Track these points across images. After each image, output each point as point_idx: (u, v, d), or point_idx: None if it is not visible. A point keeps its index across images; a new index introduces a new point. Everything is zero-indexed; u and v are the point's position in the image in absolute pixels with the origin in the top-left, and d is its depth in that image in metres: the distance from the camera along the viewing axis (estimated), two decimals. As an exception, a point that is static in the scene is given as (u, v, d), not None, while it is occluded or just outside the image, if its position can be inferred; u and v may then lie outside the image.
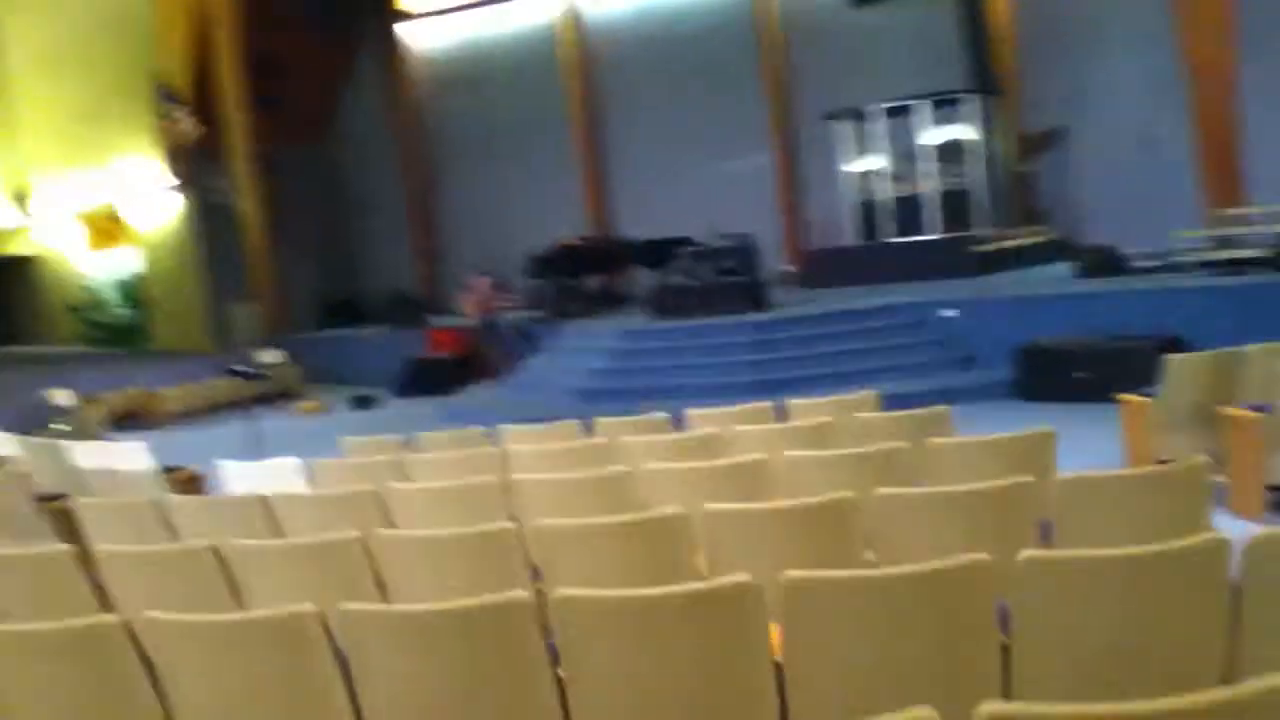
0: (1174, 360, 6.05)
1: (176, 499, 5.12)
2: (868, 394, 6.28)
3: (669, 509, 3.64)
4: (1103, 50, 16.15)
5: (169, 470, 7.52)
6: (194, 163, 19.53)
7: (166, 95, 18.62)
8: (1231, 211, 12.86)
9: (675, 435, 6.16)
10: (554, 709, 2.72)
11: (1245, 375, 6.03)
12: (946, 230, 15.27)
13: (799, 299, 13.45)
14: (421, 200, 22.94)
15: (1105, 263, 12.03)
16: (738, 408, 6.83)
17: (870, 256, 15.71)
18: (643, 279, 18.11)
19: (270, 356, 17.57)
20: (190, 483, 7.57)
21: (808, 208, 18.56)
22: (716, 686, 2.65)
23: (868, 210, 16.18)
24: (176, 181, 19.34)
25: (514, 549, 3.69)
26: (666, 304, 13.57)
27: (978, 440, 4.44)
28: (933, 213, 15.38)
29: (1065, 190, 16.99)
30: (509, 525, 3.72)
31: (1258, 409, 5.40)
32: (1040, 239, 16.09)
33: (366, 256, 23.50)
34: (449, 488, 4.75)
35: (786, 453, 4.58)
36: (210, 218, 20.04)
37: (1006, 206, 16.11)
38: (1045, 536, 3.55)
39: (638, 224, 19.36)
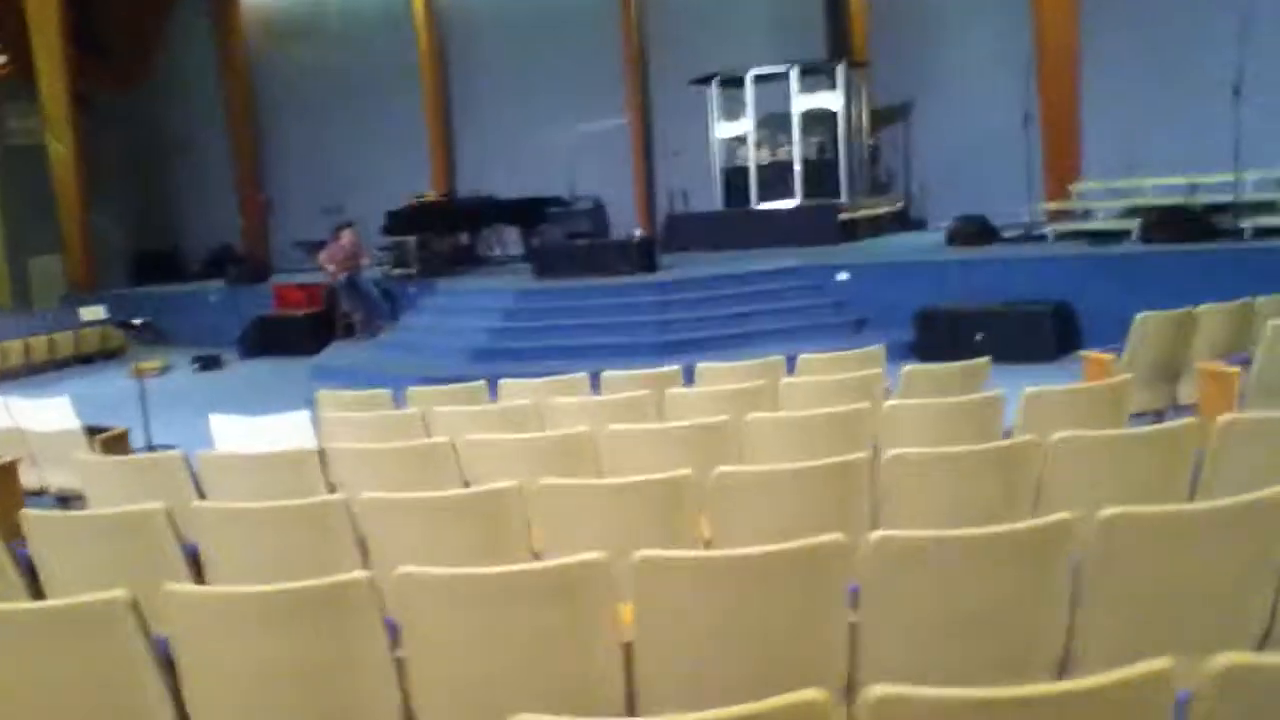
0: (1139, 319, 6.44)
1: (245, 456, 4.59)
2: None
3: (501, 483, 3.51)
4: (953, 26, 16.95)
5: (92, 430, 6.82)
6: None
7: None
8: (1085, 185, 13.78)
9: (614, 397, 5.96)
10: (393, 691, 2.61)
11: (1198, 334, 6.52)
12: (809, 197, 15.66)
13: (674, 262, 13.46)
14: (250, 152, 21.59)
15: (977, 232, 12.67)
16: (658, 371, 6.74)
17: (734, 222, 15.94)
18: (504, 239, 17.79)
19: (91, 313, 16.19)
20: (119, 442, 6.90)
21: (666, 173, 18.62)
22: (564, 667, 2.60)
23: (732, 176, 16.40)
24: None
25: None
26: (550, 264, 13.35)
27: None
28: (796, 180, 15.73)
29: (908, 163, 17.84)
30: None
31: (1240, 363, 5.83)
32: (891, 209, 16.82)
33: (185, 209, 21.96)
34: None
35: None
36: (13, 161, 18.20)
37: (862, 177, 16.70)
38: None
39: (484, 183, 18.94)
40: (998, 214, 14.17)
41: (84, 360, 15.28)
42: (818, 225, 15.01)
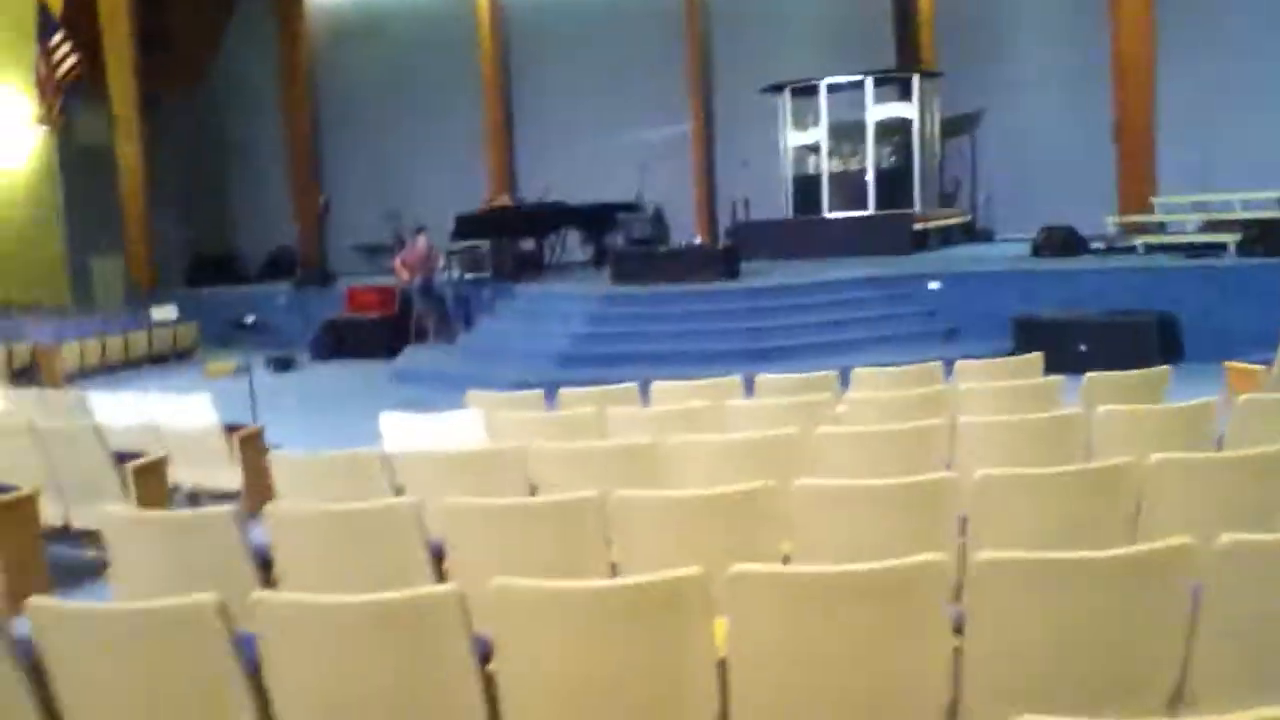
0: (1296, 331, 6.40)
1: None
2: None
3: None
4: (1022, 40, 16.90)
5: (229, 429, 6.84)
6: (69, 99, 17.76)
7: (48, 21, 16.80)
8: (1167, 199, 13.69)
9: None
10: (480, 706, 2.56)
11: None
12: (881, 207, 15.61)
13: (750, 269, 13.41)
14: (308, 155, 21.68)
15: (1064, 242, 12.60)
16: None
17: (804, 230, 15.89)
18: (568, 244, 17.81)
19: (163, 313, 16.28)
20: (255, 440, 6.91)
21: (728, 181, 18.58)
22: (657, 683, 2.54)
23: (802, 184, 16.37)
24: (43, 118, 17.52)
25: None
26: (629, 270, 13.33)
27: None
28: (869, 189, 15.67)
29: (974, 174, 17.76)
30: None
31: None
32: (960, 220, 16.76)
33: (242, 211, 22.08)
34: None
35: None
36: (79, 161, 18.31)
37: (932, 187, 16.63)
38: None
39: (542, 190, 18.98)
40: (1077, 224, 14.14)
41: (156, 360, 15.35)
42: (891, 235, 14.97)
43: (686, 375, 10.14)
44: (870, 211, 15.59)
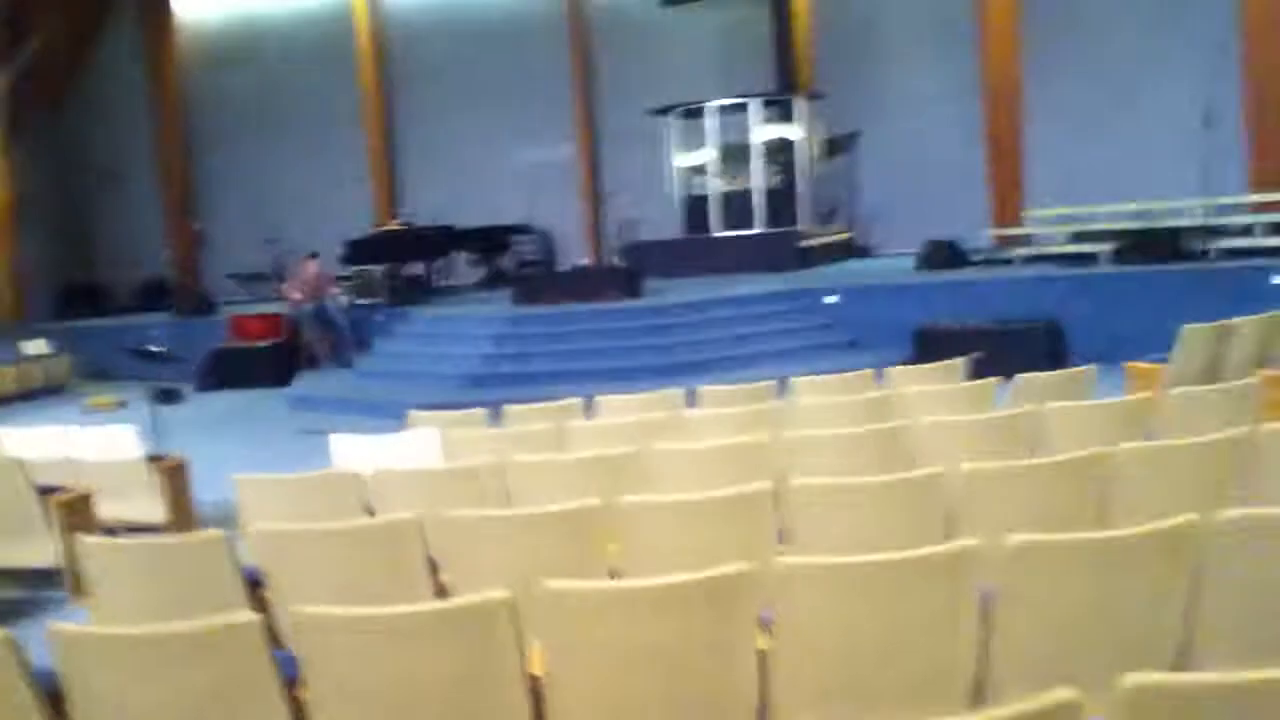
0: (1187, 330, 6.85)
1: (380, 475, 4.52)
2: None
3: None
4: (895, 63, 17.59)
5: (151, 458, 6.61)
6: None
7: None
8: (1039, 212, 14.43)
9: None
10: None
11: (1235, 344, 6.96)
12: (768, 225, 16.01)
13: (655, 288, 13.59)
14: (181, 181, 20.96)
15: (947, 256, 13.17)
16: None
17: (695, 249, 16.17)
18: (459, 267, 17.71)
19: (34, 347, 15.51)
20: (178, 471, 6.70)
21: (617, 203, 18.76)
22: (468, 704, 2.61)
23: (691, 204, 16.66)
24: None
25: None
26: (530, 291, 13.35)
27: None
28: (756, 208, 16.05)
29: (851, 192, 18.39)
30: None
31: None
32: (840, 236, 17.31)
33: (111, 239, 21.17)
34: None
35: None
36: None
37: (815, 205, 17.13)
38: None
39: (427, 211, 18.79)
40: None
41: (26, 396, 14.59)
42: (778, 251, 15.36)
43: (601, 392, 10.26)
44: (758, 230, 15.97)
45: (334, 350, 14.24)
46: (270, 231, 19.74)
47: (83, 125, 20.61)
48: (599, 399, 6.42)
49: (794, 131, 16.30)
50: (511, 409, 6.29)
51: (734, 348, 11.28)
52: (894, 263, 15.05)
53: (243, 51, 20.34)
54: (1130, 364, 7.20)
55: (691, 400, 6.43)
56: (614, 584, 2.86)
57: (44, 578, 5.85)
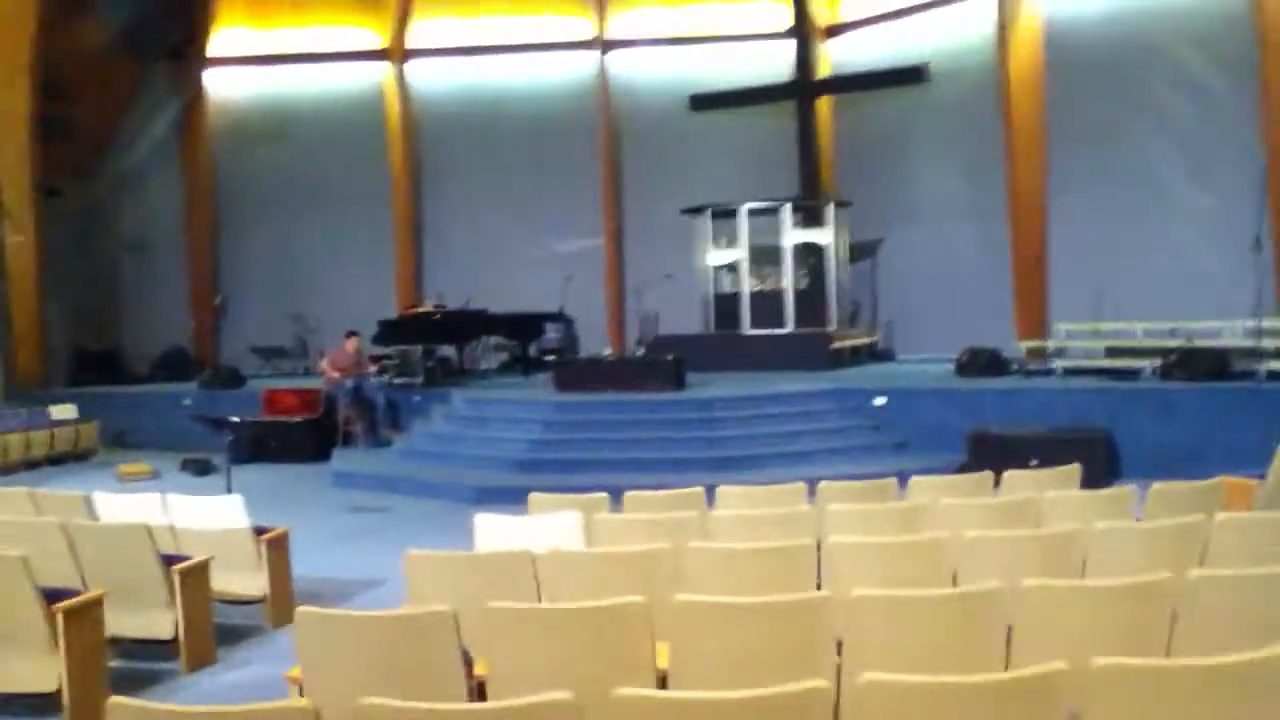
0: (1282, 447, 6.99)
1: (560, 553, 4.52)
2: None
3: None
4: (920, 171, 18.08)
5: (258, 531, 6.58)
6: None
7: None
8: (1069, 326, 14.73)
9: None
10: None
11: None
12: (799, 326, 16.24)
13: (698, 381, 13.70)
14: (206, 253, 21.06)
15: (987, 363, 13.39)
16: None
17: (724, 345, 16.35)
18: (488, 351, 17.80)
19: (62, 412, 15.39)
20: (281, 543, 6.66)
21: (643, 296, 18.98)
22: None
23: (721, 301, 16.91)
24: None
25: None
26: (572, 379, 13.43)
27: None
28: (788, 308, 16.29)
29: (875, 298, 18.73)
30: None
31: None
32: (867, 340, 17.57)
33: (131, 308, 21.13)
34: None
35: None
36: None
37: (843, 308, 17.42)
38: None
39: (450, 296, 18.95)
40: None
41: (54, 461, 14.43)
42: (809, 352, 15.57)
43: (654, 483, 10.33)
44: (788, 329, 16.19)
45: (370, 429, 14.21)
46: (293, 307, 19.85)
47: (110, 195, 20.75)
48: (722, 489, 6.40)
49: (824, 235, 16.68)
50: (632, 496, 6.29)
51: (783, 444, 11.39)
52: (927, 367, 15.25)
53: (273, 129, 20.63)
54: (1228, 479, 7.31)
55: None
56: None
57: (151, 647, 5.78)
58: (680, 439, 11.49)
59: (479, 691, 3.52)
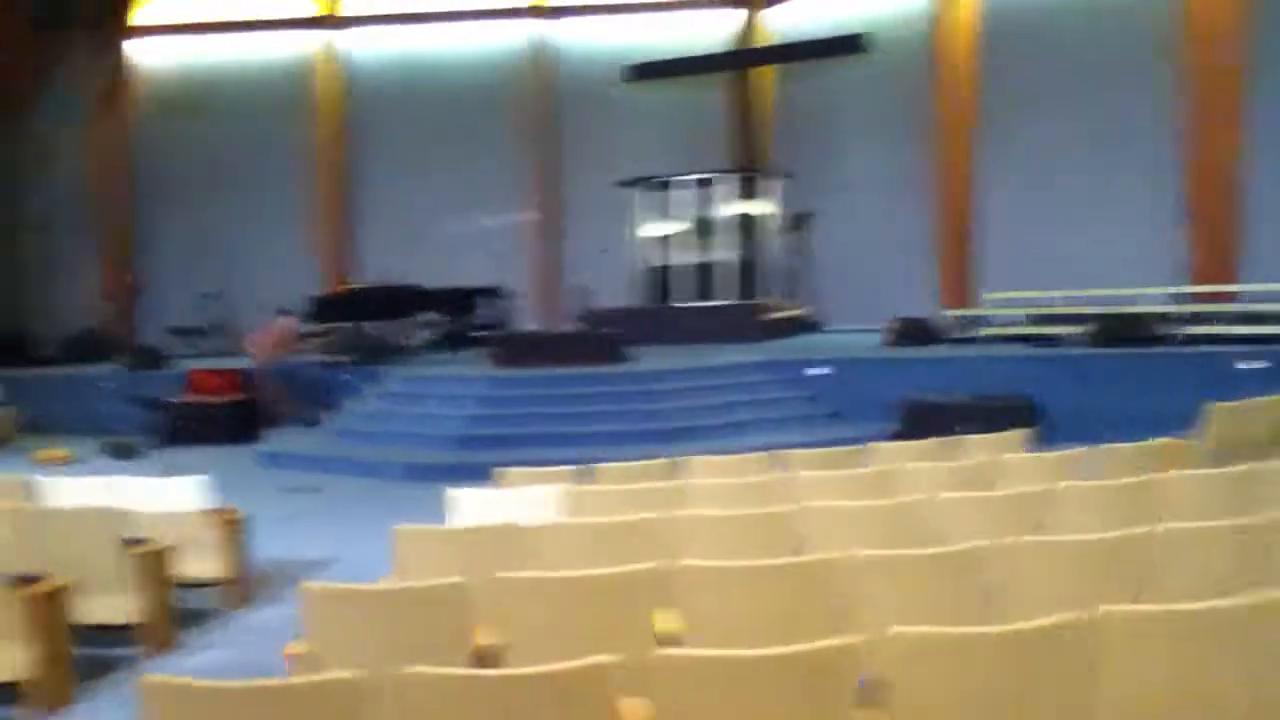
0: (1218, 407, 7.30)
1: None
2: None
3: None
4: (852, 143, 18.31)
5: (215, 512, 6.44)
6: None
7: None
8: (996, 295, 15.12)
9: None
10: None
11: (1259, 421, 7.46)
12: (730, 298, 16.37)
13: (632, 354, 13.74)
14: (120, 229, 20.38)
15: (919, 332, 13.69)
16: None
17: (658, 318, 16.42)
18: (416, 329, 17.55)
19: (-29, 398, 14.81)
20: (237, 525, 6.54)
21: (574, 269, 18.92)
22: None
23: (654, 275, 16.94)
24: None
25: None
26: (511, 353, 13.37)
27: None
28: (719, 281, 16.41)
29: (803, 270, 18.94)
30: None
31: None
32: (796, 311, 17.79)
33: (37, 288, 20.38)
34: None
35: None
36: None
37: (774, 280, 17.59)
38: None
39: (377, 271, 18.69)
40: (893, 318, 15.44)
41: (-34, 448, 13.88)
42: (742, 323, 15.73)
43: (595, 456, 10.35)
44: (721, 301, 16.31)
45: (300, 408, 13.96)
46: (212, 287, 19.35)
47: (16, 169, 19.93)
48: (694, 459, 6.45)
49: (760, 208, 16.80)
50: (603, 468, 6.30)
51: (723, 415, 11.49)
52: (858, 338, 15.49)
53: (196, 101, 20.04)
54: (1161, 440, 7.60)
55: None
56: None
57: (111, 632, 5.63)
58: (619, 412, 11.52)
59: (485, 662, 3.53)
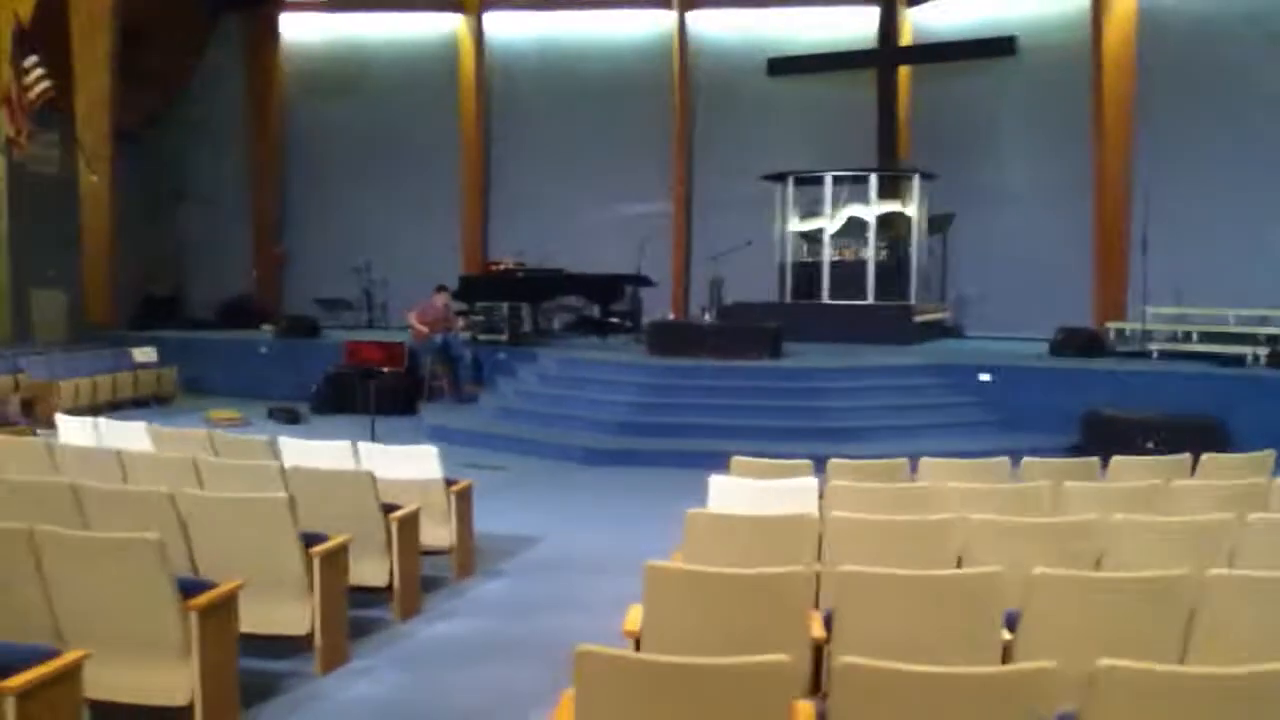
0: None
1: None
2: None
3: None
4: (994, 148, 17.95)
5: (448, 482, 6.60)
6: (31, 124, 16.73)
7: (22, 40, 15.85)
8: (1157, 310, 14.69)
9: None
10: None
11: None
12: (884, 298, 16.17)
13: (793, 350, 13.64)
14: (272, 203, 21.01)
15: (1086, 343, 13.38)
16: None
17: (803, 315, 16.27)
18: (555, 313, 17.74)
19: (144, 355, 15.42)
20: (466, 496, 6.68)
21: (709, 262, 18.88)
22: None
23: (800, 270, 16.83)
24: (13, 140, 16.42)
25: None
26: (664, 343, 13.43)
27: None
28: (870, 279, 16.19)
29: (945, 273, 18.64)
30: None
31: None
32: (942, 315, 17.53)
33: (195, 255, 21.13)
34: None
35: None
36: (29, 188, 17.21)
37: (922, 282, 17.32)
38: None
39: (515, 255, 18.88)
40: (1038, 327, 15.14)
41: (138, 404, 14.44)
42: (892, 325, 15.53)
43: (762, 451, 10.34)
44: (870, 301, 16.13)
45: (455, 384, 14.23)
46: (355, 260, 19.79)
47: (179, 142, 20.67)
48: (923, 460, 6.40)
49: (908, 207, 16.60)
50: (836, 463, 6.29)
51: (890, 418, 11.39)
52: (1016, 345, 15.16)
53: (346, 79, 20.53)
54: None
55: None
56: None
57: (359, 594, 5.79)
58: (784, 408, 11.50)
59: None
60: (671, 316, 19.04)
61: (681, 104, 19.82)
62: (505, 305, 15.04)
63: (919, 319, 16.00)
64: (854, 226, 16.53)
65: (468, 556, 6.62)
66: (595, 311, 17.45)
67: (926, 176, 16.91)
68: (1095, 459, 6.87)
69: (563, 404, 12.49)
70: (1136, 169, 16.12)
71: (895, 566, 3.55)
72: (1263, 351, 12.12)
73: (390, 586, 5.61)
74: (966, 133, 18.27)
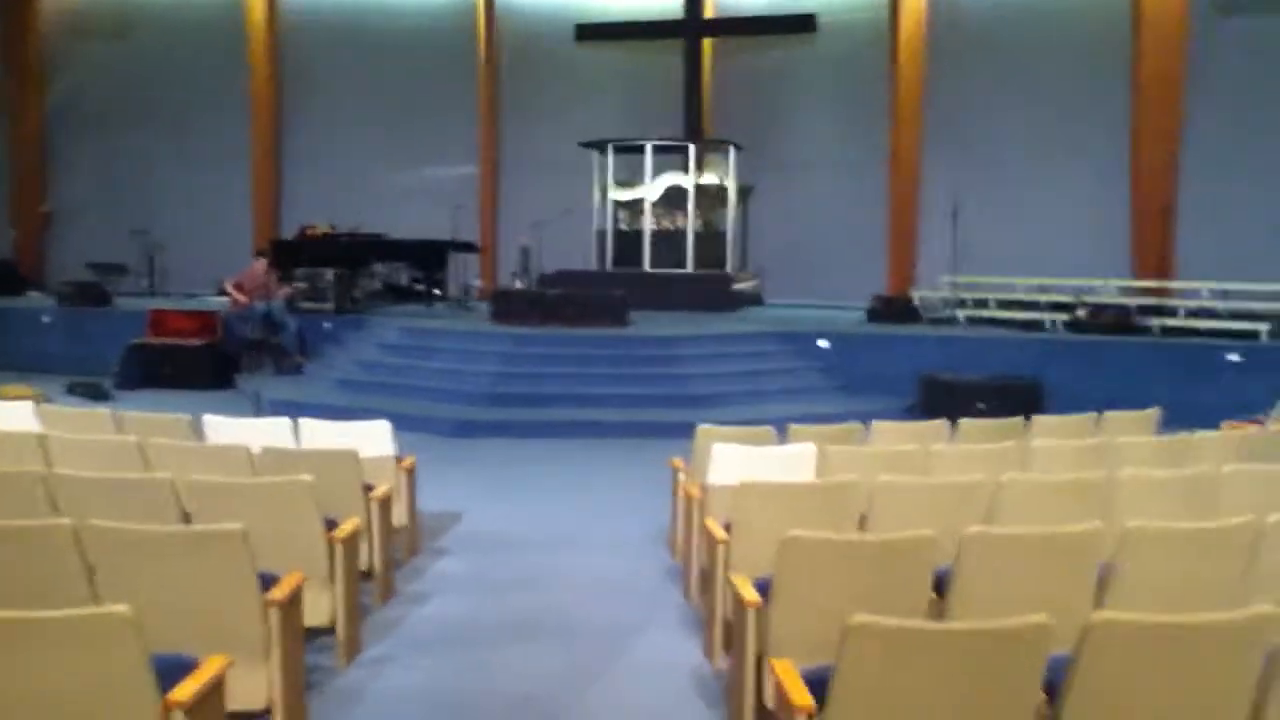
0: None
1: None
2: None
3: None
4: (801, 122, 18.78)
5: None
6: None
7: None
8: (957, 278, 15.85)
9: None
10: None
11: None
12: (700, 267, 16.59)
13: (637, 319, 13.75)
14: (33, 158, 18.94)
15: (901, 311, 14.28)
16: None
17: (623, 284, 16.41)
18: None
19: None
20: (412, 472, 6.41)
21: (518, 229, 18.67)
22: None
23: (620, 239, 16.98)
24: None
25: None
26: (510, 311, 13.26)
27: None
28: (689, 249, 16.56)
29: (746, 243, 19.32)
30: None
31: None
32: (753, 283, 18.17)
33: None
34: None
35: None
36: None
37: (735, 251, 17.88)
38: None
39: (310, 217, 17.98)
40: (836, 295, 16.17)
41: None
42: (712, 293, 16.01)
43: (629, 420, 10.53)
44: (690, 270, 16.51)
45: (280, 354, 13.47)
46: (134, 223, 18.27)
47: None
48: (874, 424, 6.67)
49: (720, 178, 17.09)
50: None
51: (745, 383, 11.78)
52: (836, 315, 15.89)
53: (117, 23, 18.78)
54: (1233, 422, 8.28)
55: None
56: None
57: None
58: (640, 375, 11.67)
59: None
60: (478, 283, 18.75)
61: (488, 65, 19.45)
62: (330, 272, 14.31)
63: (738, 288, 16.53)
64: (672, 195, 16.82)
65: (415, 533, 6.38)
66: (403, 279, 16.92)
67: (739, 147, 17.42)
68: (942, 421, 7.32)
69: (411, 374, 12.09)
70: (926, 146, 17.33)
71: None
72: (1061, 318, 13.35)
73: (370, 571, 5.33)
74: (765, 106, 18.96)
